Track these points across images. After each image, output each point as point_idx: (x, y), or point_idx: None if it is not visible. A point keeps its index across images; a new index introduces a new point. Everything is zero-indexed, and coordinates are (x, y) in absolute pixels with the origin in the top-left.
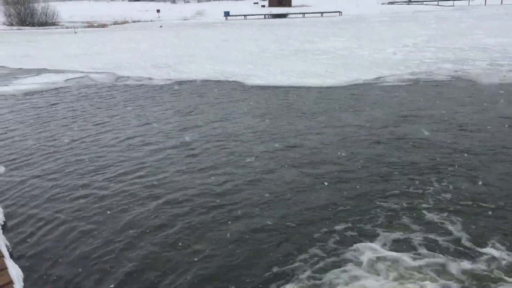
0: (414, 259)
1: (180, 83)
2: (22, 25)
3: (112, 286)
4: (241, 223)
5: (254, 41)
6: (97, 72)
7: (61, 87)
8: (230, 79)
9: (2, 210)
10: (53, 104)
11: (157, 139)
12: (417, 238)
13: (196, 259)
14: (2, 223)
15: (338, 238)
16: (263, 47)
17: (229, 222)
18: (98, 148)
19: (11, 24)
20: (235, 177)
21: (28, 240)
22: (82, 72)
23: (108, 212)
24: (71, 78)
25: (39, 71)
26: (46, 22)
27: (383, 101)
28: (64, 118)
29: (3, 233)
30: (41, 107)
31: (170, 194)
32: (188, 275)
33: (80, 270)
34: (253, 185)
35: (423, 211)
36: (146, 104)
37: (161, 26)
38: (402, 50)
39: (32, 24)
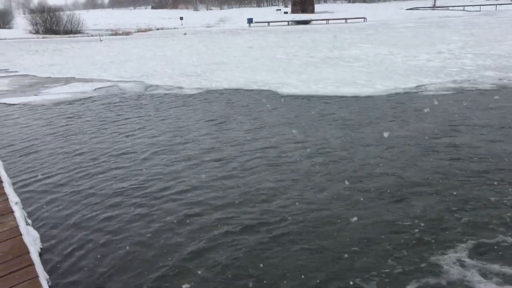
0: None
1: (211, 92)
2: (48, 33)
3: None
4: (295, 244)
5: (281, 48)
6: (125, 81)
7: (90, 97)
8: (263, 88)
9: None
10: (83, 114)
11: (192, 150)
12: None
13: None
14: (39, 248)
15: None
16: (292, 54)
17: (281, 242)
18: (130, 160)
19: (37, 32)
20: (279, 193)
21: (65, 262)
22: (111, 81)
23: (145, 225)
24: (100, 88)
25: (67, 80)
26: (71, 30)
27: (429, 110)
28: (95, 128)
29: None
30: (70, 117)
31: (206, 209)
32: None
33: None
34: (300, 201)
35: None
36: (178, 114)
37: (185, 34)
38: (437, 57)
39: (58, 32)
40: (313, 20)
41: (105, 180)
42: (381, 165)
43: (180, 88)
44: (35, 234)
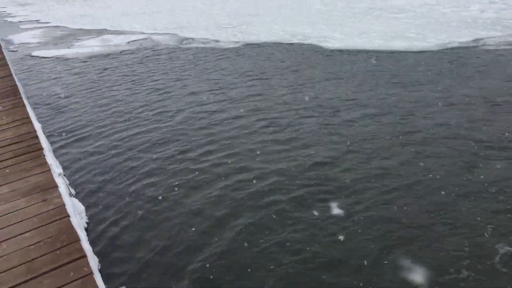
0: None
1: (249, 46)
2: None
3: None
4: (346, 210)
5: None
6: (159, 34)
7: (125, 50)
8: (304, 42)
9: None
10: (118, 68)
11: (235, 109)
12: None
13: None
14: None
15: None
16: (330, 5)
17: (351, 213)
18: (169, 120)
19: None
20: (337, 160)
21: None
22: (144, 33)
23: (178, 190)
24: (134, 40)
25: (99, 32)
26: None
27: (491, 67)
28: (131, 84)
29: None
30: (105, 72)
31: (245, 173)
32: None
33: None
34: (362, 168)
35: None
36: (216, 69)
37: None
38: (490, 7)
39: None
40: None
41: (143, 141)
42: (445, 126)
43: (217, 41)
44: (80, 207)
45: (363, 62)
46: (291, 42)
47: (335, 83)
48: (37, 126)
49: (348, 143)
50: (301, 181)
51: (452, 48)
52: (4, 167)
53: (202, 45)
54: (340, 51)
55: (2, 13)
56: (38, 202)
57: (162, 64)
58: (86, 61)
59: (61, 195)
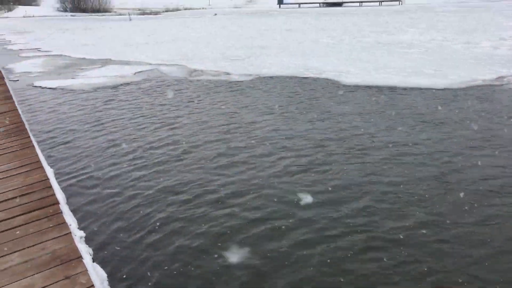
0: None
1: (262, 79)
2: (76, 11)
3: None
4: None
5: (323, 31)
6: (166, 65)
7: (132, 82)
8: (320, 76)
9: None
10: (126, 100)
11: (253, 144)
12: None
13: None
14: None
15: None
16: (337, 38)
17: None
18: (181, 155)
19: (65, 10)
20: (371, 206)
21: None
22: (150, 64)
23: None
24: (140, 71)
25: (104, 62)
26: (99, 8)
27: None
28: (140, 117)
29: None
30: (112, 104)
31: (278, 225)
32: None
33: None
34: (405, 218)
35: None
36: (230, 103)
37: (215, 14)
38: (502, 44)
39: (85, 11)
40: (345, 2)
41: (158, 185)
42: (486, 169)
43: (227, 74)
44: (103, 274)
45: (385, 98)
46: (306, 76)
47: (359, 119)
48: (49, 171)
49: (385, 189)
50: (341, 229)
51: (475, 86)
52: (14, 228)
53: (212, 78)
54: (359, 86)
55: (1, 40)
56: (59, 280)
57: (172, 97)
58: (92, 93)
59: (87, 270)
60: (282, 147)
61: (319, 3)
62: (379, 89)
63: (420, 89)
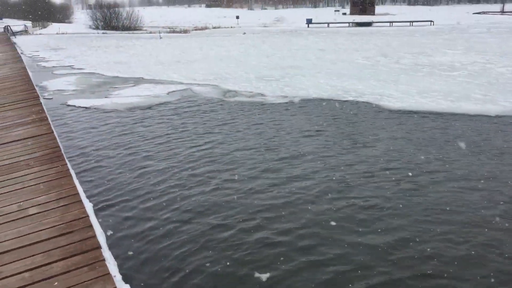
0: None
1: (299, 102)
2: (107, 29)
3: None
4: None
5: (357, 52)
6: (198, 84)
7: (166, 102)
8: (359, 99)
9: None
10: (160, 121)
11: (292, 169)
12: None
13: None
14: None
15: None
16: (372, 59)
17: None
18: (218, 179)
19: (97, 28)
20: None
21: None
22: (182, 83)
23: None
24: (173, 91)
25: (136, 81)
26: (130, 26)
27: None
28: (175, 139)
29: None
30: (147, 124)
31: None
32: None
33: None
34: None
35: None
36: (268, 125)
37: (244, 33)
38: None
39: (117, 28)
40: (374, 22)
41: (197, 211)
42: None
43: (263, 95)
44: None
45: (434, 125)
46: (345, 99)
47: (409, 148)
48: (88, 206)
49: (450, 237)
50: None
51: None
52: (52, 277)
53: (247, 99)
54: (403, 111)
55: (35, 57)
56: None
57: (207, 118)
58: (126, 113)
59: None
60: (326, 177)
61: (349, 22)
62: (425, 114)
63: (470, 115)
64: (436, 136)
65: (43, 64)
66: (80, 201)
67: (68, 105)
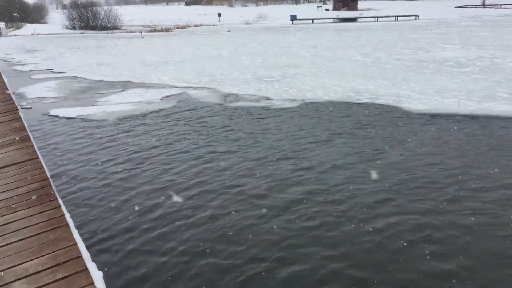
0: None
1: (310, 105)
2: (85, 29)
3: None
4: None
5: (351, 48)
6: (193, 88)
7: (161, 109)
8: (376, 101)
9: None
10: (158, 134)
11: (320, 184)
12: None
13: None
14: None
15: None
16: (370, 56)
17: None
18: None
19: (74, 28)
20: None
21: None
22: (175, 86)
23: None
24: (167, 96)
25: (124, 85)
26: (109, 26)
27: None
28: (178, 153)
29: None
30: (143, 139)
31: None
32: None
33: None
34: None
35: None
36: (282, 134)
37: (229, 31)
38: None
39: (95, 28)
40: (359, 17)
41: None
42: None
43: (268, 99)
44: None
45: (470, 129)
46: (359, 101)
47: (453, 157)
48: (81, 246)
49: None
50: None
51: None
52: None
53: (251, 103)
54: (430, 114)
55: (10, 60)
56: None
57: (211, 127)
58: (118, 124)
59: None
60: (360, 191)
61: (333, 18)
62: (456, 117)
63: (503, 118)
64: (485, 143)
65: (19, 68)
66: (81, 257)
67: (50, 115)
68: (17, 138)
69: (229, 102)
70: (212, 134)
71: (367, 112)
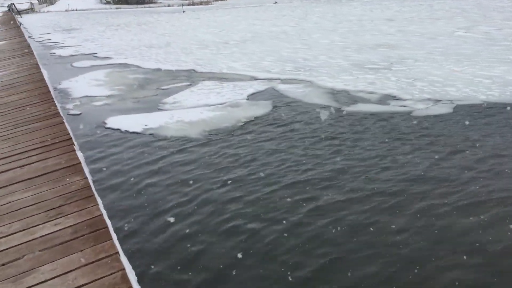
0: None
1: (467, 109)
2: (119, 3)
3: None
4: None
5: (437, 20)
6: (280, 80)
7: (257, 117)
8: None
9: None
10: (252, 159)
11: None
12: None
13: None
14: None
15: None
16: (473, 29)
17: None
18: None
19: (108, 3)
20: None
21: None
22: (256, 78)
23: None
24: (253, 94)
25: (189, 76)
26: (144, 0)
27: None
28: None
29: None
30: (243, 169)
31: None
32: None
33: None
34: None
35: None
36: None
37: (276, 2)
38: None
39: (129, 2)
40: None
41: None
42: None
43: (394, 98)
44: None
45: None
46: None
47: None
48: None
49: None
50: None
51: None
52: None
53: (377, 107)
54: None
55: (46, 42)
56: None
57: (338, 151)
58: (207, 144)
59: None
60: None
61: None
62: None
63: None
64: None
65: (58, 52)
66: None
67: (107, 128)
68: (65, 164)
69: (344, 104)
70: (352, 167)
71: None
